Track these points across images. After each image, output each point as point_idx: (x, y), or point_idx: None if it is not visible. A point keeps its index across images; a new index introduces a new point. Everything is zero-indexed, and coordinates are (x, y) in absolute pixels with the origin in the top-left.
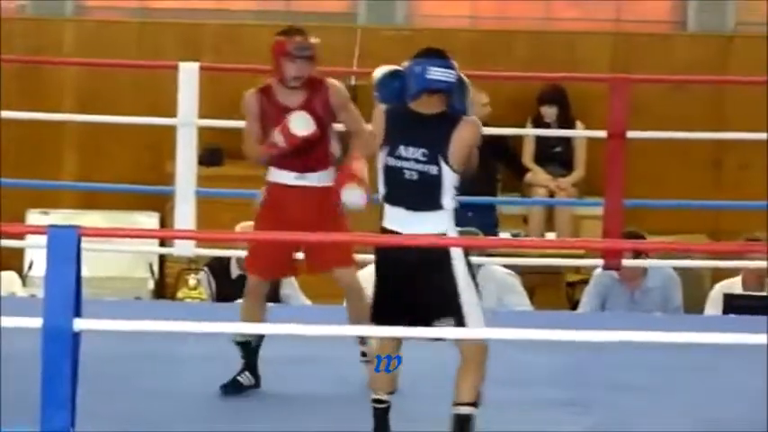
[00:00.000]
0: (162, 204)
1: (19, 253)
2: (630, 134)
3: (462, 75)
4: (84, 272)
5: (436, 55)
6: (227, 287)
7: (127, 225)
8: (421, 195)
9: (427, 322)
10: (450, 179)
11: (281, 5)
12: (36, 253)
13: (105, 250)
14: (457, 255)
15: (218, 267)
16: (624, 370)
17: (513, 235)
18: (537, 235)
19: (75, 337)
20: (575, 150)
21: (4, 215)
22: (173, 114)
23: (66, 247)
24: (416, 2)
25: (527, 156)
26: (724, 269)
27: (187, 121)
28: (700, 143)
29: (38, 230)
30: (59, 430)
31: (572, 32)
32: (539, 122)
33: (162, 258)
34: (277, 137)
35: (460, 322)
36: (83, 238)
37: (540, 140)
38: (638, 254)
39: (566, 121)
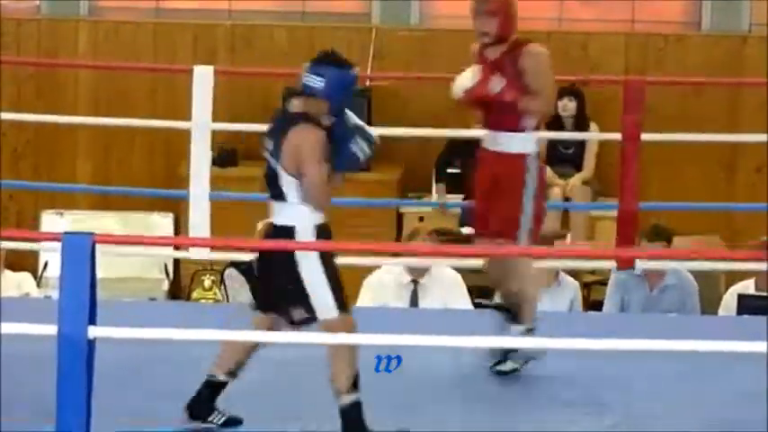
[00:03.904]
0: (176, 205)
1: (34, 254)
2: (645, 136)
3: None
4: (99, 273)
5: (318, 58)
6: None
7: (141, 226)
8: (270, 186)
9: (284, 308)
10: (284, 176)
11: (296, 5)
12: (51, 254)
13: (120, 254)
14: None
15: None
16: (639, 371)
17: None
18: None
19: (90, 344)
20: (586, 151)
21: (20, 216)
22: (188, 116)
23: (81, 254)
24: (431, 2)
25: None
26: (738, 270)
27: (201, 125)
28: (714, 146)
29: (52, 237)
30: None
31: (586, 33)
32: (553, 122)
33: (177, 259)
34: None
35: (311, 311)
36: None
37: (553, 141)
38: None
39: (580, 121)
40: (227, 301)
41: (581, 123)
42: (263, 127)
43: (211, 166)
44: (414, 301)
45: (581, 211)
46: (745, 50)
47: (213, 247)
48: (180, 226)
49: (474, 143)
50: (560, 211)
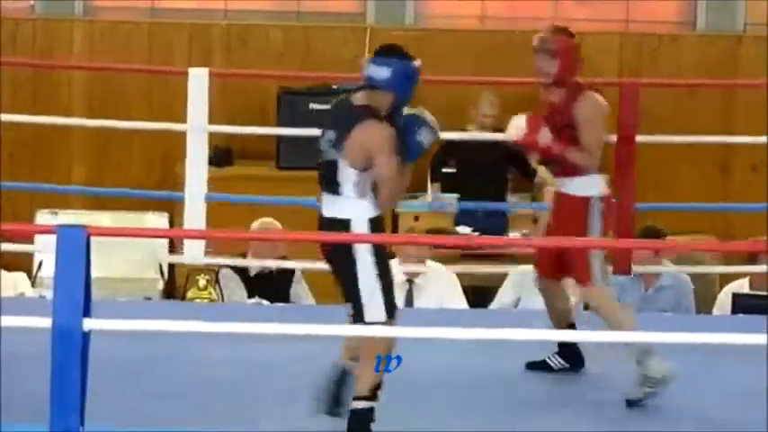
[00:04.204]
0: (172, 206)
1: (29, 254)
2: (639, 138)
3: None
4: (94, 273)
5: (381, 51)
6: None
7: (136, 226)
8: (325, 177)
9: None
10: (344, 169)
11: (291, 5)
12: (45, 254)
13: (117, 244)
14: (362, 245)
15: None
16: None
17: (523, 236)
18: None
19: (85, 336)
20: None
21: (14, 217)
22: (183, 117)
23: (76, 246)
24: (426, 2)
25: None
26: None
27: (197, 127)
28: (708, 146)
29: (47, 230)
30: (68, 430)
31: (581, 33)
32: None
33: None
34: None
35: (359, 312)
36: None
37: None
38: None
39: None
40: (222, 300)
41: None
42: (259, 130)
43: (207, 165)
44: (409, 300)
45: None
46: (740, 50)
47: (208, 240)
48: (175, 226)
49: (470, 143)
50: None
